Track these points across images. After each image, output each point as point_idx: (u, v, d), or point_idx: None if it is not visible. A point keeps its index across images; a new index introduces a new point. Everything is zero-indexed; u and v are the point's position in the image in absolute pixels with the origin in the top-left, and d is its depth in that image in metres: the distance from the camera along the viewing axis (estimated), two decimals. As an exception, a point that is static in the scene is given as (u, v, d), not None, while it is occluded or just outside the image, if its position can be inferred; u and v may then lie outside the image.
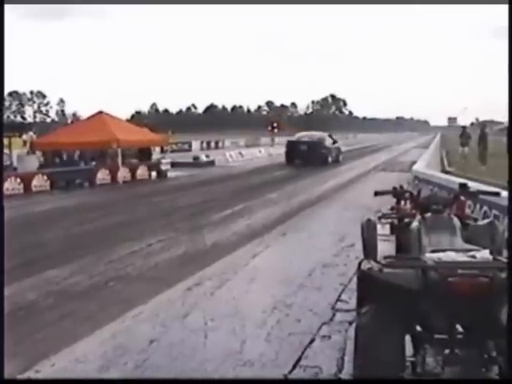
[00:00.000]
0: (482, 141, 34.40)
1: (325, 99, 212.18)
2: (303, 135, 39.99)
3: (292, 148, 37.61)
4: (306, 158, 35.67)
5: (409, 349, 4.04)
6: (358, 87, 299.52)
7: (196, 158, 38.45)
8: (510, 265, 3.74)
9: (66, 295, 8.50)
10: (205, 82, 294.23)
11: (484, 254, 4.03)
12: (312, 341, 6.23)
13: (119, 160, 27.72)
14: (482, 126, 39.14)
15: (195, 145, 61.57)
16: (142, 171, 28.85)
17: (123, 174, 27.38)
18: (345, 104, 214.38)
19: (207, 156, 40.14)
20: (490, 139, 36.88)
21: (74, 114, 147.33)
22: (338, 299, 7.73)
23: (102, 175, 26.50)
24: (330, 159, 37.22)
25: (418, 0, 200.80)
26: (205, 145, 64.47)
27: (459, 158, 34.55)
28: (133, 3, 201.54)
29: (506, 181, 14.91)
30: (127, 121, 50.41)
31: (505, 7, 5.24)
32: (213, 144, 66.70)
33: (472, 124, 68.62)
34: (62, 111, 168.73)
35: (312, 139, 38.11)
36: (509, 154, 14.62)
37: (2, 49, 5.15)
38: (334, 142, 39.64)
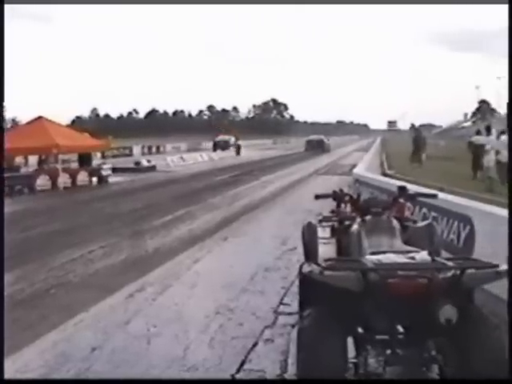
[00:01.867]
0: (416, 144, 36.87)
1: (266, 103, 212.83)
2: (312, 137, 75.89)
3: (308, 143, 71.22)
4: (316, 148, 66.17)
5: (351, 350, 4.09)
6: (299, 91, 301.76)
7: (137, 163, 38.19)
8: (510, 271, 3.81)
9: (6, 304, 8.33)
10: (146, 87, 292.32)
11: (423, 256, 4.09)
12: (255, 344, 6.24)
13: (59, 166, 27.35)
14: (417, 130, 42.91)
15: (136, 150, 61.25)
16: (82, 177, 28.48)
17: (63, 179, 26.97)
18: (286, 108, 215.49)
19: (148, 161, 39.96)
20: (428, 142, 38.99)
21: (14, 120, 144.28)
22: (281, 302, 7.76)
23: (42, 181, 26.12)
24: (326, 149, 68.03)
25: (361, 0, 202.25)
26: (146, 150, 64.21)
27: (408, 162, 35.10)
28: (73, 3, 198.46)
29: (450, 185, 15.28)
30: (68, 126, 49.67)
31: (505, 7, 5.39)
32: (154, 149, 66.42)
33: (410, 128, 71.35)
34: (1, 116, 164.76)
35: (317, 139, 73.15)
36: (509, 156, 14.87)
37: (2, 51, 5.03)
38: (328, 140, 74.81)
